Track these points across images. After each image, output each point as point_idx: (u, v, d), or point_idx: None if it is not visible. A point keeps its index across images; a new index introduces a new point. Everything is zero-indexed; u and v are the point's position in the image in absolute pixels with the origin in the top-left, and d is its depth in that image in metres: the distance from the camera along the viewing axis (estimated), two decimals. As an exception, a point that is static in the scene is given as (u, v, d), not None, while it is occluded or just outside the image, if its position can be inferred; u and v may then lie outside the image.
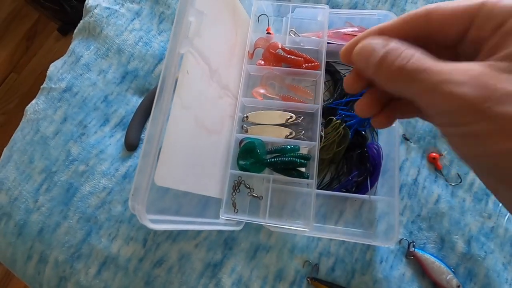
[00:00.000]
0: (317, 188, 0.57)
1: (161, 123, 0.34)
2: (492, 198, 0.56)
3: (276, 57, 0.58)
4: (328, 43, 0.59)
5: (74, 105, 0.60)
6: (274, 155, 0.53)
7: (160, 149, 0.38)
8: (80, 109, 0.59)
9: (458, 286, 0.51)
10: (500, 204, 0.55)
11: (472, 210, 0.55)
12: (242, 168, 0.53)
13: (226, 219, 0.49)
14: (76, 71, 0.62)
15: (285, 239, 0.54)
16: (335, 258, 0.53)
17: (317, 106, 0.54)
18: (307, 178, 0.51)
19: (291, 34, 0.61)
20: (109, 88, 0.61)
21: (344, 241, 0.54)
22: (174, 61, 0.35)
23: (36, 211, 0.54)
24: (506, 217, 0.55)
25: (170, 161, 0.39)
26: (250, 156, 0.52)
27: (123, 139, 0.58)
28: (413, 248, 0.53)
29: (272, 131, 0.56)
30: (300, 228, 0.48)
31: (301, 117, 0.56)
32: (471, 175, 0.57)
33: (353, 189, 0.55)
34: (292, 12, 0.60)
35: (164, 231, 0.53)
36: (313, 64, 0.57)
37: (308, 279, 0.51)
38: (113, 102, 0.60)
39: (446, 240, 0.54)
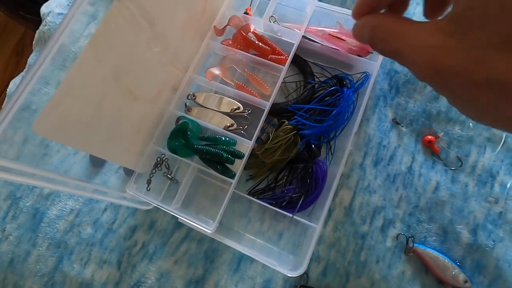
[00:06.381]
0: (249, 192, 0.51)
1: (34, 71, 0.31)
2: (499, 180, 0.50)
3: (246, 41, 0.52)
4: (309, 39, 0.52)
5: (33, 124, 0.56)
6: (205, 143, 0.48)
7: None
8: (40, 127, 0.55)
9: (466, 282, 0.46)
10: (508, 186, 0.49)
11: (476, 196, 0.50)
12: (170, 148, 0.48)
13: (133, 195, 0.45)
14: (33, 86, 0.57)
15: (270, 246, 0.49)
16: (326, 263, 0.48)
17: (267, 103, 0.47)
18: (231, 177, 0.45)
19: (270, 20, 0.54)
20: (70, 101, 0.57)
21: (334, 243, 0.49)
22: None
23: (4, 241, 0.51)
24: (516, 199, 0.49)
25: (63, 112, 0.33)
26: (182, 137, 0.47)
27: (88, 156, 0.54)
28: (412, 244, 0.48)
29: (214, 117, 0.50)
30: (202, 227, 0.43)
31: (248, 110, 0.50)
32: (473, 157, 0.51)
33: (283, 204, 0.49)
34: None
35: (138, 252, 0.49)
36: (279, 57, 0.50)
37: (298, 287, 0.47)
38: (75, 116, 0.56)
39: (449, 231, 0.49)
